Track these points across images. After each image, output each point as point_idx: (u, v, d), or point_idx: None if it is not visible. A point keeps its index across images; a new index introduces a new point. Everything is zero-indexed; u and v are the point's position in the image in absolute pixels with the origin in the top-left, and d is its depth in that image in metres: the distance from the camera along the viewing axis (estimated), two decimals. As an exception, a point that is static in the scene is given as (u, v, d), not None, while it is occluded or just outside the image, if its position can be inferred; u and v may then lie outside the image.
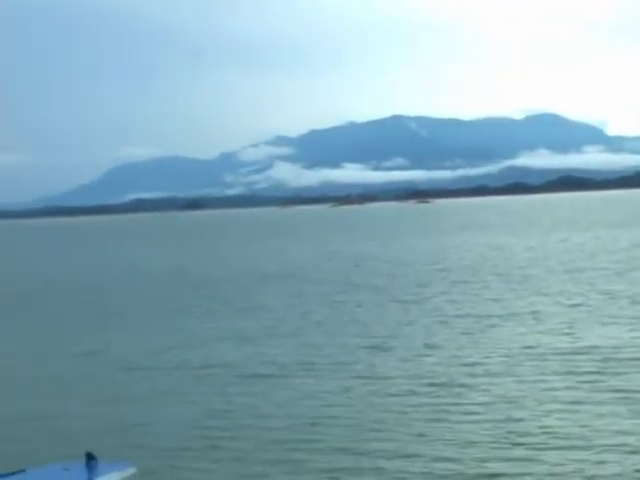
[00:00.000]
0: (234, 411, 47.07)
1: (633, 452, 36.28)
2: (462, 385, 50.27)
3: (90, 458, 26.21)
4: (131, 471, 26.52)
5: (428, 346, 63.60)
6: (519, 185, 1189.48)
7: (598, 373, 51.14)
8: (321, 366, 58.31)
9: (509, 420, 41.97)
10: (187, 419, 45.91)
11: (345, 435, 41.11)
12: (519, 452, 37.19)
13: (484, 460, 36.32)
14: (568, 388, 47.94)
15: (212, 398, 50.54)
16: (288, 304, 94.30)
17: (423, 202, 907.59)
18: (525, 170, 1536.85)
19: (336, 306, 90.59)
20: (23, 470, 26.90)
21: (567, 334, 64.87)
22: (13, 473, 26.61)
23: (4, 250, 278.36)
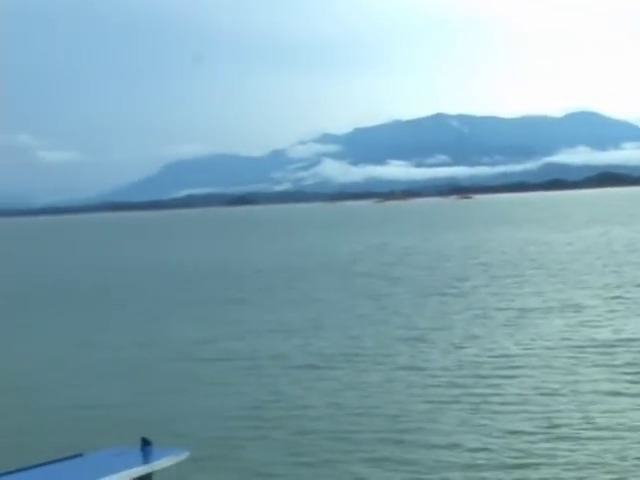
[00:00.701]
0: (281, 401, 46.90)
1: (672, 443, 35.72)
2: (502, 376, 49.70)
3: (145, 443, 26.23)
4: (184, 456, 26.54)
5: (469, 338, 63.08)
6: (558, 181, 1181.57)
7: (637, 365, 50.47)
8: (364, 357, 57.99)
9: (549, 411, 41.40)
10: (235, 408, 45.78)
11: (387, 425, 40.73)
12: (559, 443, 36.62)
13: (524, 450, 35.80)
14: (607, 380, 47.29)
15: (260, 388, 50.39)
16: (333, 297, 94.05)
17: (464, 198, 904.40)
18: (564, 167, 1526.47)
19: (379, 299, 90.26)
20: (80, 455, 27.18)
21: (606, 326, 64.17)
22: (71, 457, 26.91)
23: (65, 244, 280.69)
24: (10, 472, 26.08)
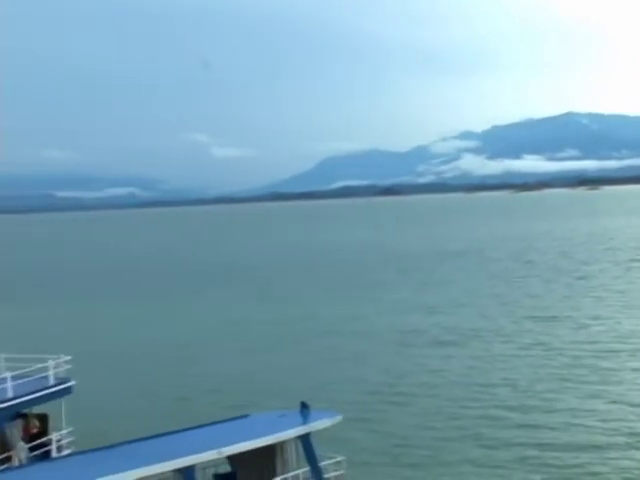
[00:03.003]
0: (419, 373, 46.69)
1: None
2: (627, 355, 48.27)
3: (304, 407, 26.72)
4: (338, 419, 27.07)
5: (594, 318, 61.46)
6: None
7: None
8: (495, 334, 57.06)
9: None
10: (380, 378, 45.77)
11: (514, 399, 39.97)
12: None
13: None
14: None
15: (401, 361, 50.12)
16: (469, 278, 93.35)
17: (592, 189, 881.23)
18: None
19: (511, 280, 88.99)
20: (247, 415, 27.91)
21: None
22: (238, 418, 27.76)
23: (233, 230, 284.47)
24: (188, 429, 27.24)
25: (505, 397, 40.56)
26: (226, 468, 25.78)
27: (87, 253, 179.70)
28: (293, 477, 25.37)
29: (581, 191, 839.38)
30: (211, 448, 23.80)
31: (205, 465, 24.74)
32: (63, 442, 28.13)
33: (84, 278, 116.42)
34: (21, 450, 26.60)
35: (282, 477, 25.09)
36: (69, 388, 28.86)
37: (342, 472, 26.75)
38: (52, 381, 28.53)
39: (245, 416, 27.96)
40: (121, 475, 22.02)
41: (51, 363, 28.73)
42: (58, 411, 28.21)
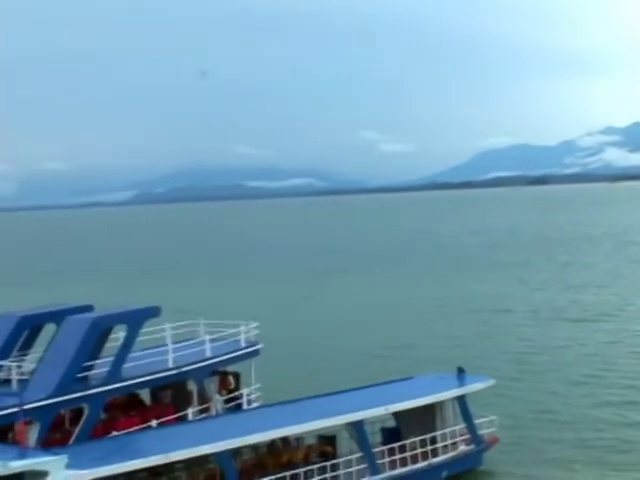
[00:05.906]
0: (562, 346, 45.94)
1: None
2: None
3: (460, 371, 27.47)
4: (491, 382, 27.36)
5: None
6: None
7: None
8: (631, 314, 55.34)
9: None
10: (525, 350, 45.35)
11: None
12: None
13: None
14: None
15: (544, 335, 49.40)
16: (608, 260, 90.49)
17: None
18: None
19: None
20: (411, 377, 28.66)
21: None
22: (404, 379, 28.44)
23: (395, 216, 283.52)
24: (359, 388, 27.74)
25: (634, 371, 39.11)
26: (392, 423, 26.09)
27: (273, 235, 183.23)
28: (450, 432, 25.52)
29: None
30: (379, 405, 24.26)
31: (373, 420, 25.18)
32: (252, 397, 29.08)
33: (271, 256, 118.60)
34: (217, 402, 27.71)
35: (441, 432, 25.27)
36: (257, 350, 29.79)
37: (494, 430, 26.69)
38: (243, 344, 29.54)
39: (409, 378, 28.44)
40: (302, 426, 22.75)
41: (243, 328, 29.78)
42: (248, 370, 29.15)
